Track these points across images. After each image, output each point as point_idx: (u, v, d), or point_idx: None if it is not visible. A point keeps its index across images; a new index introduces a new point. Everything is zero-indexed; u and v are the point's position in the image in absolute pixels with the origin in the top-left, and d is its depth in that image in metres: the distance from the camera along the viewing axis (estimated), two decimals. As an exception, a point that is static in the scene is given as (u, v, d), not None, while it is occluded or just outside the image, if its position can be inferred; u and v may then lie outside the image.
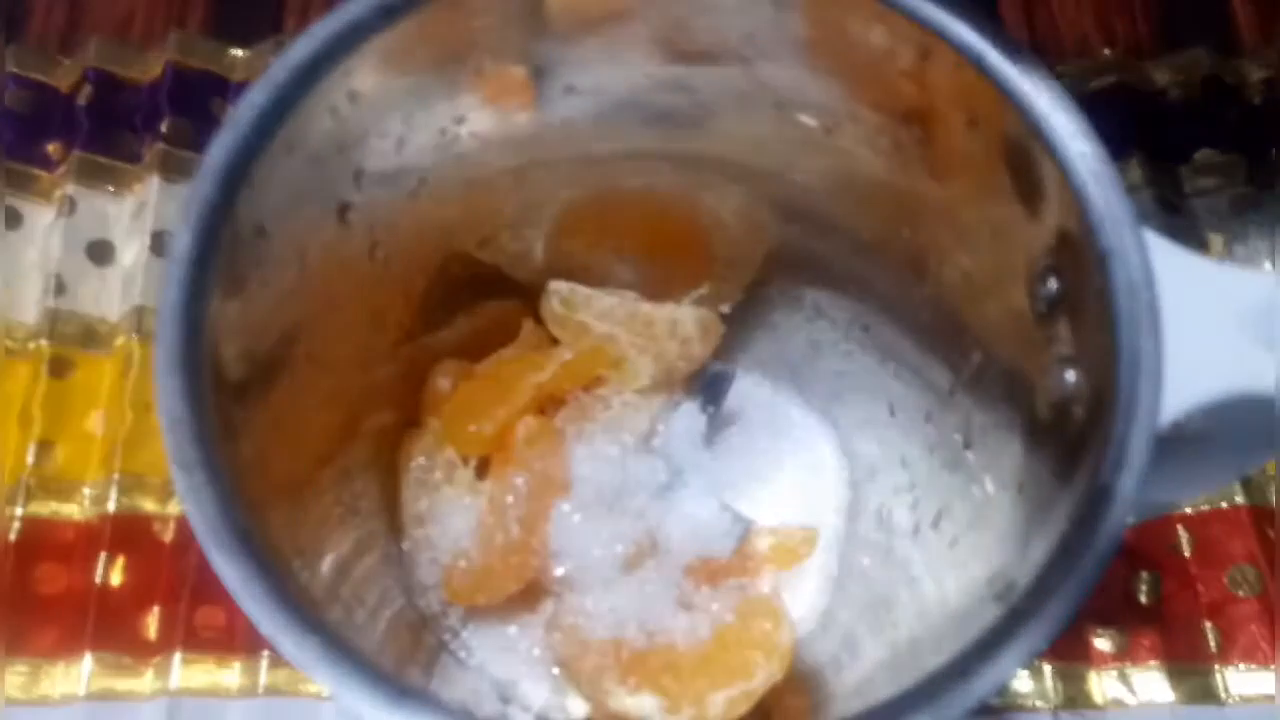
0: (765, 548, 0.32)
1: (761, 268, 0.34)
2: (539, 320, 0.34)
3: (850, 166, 0.28)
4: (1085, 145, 0.21)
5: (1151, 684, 0.34)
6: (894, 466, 0.34)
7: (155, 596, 0.34)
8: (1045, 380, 0.24)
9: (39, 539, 0.35)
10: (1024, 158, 0.23)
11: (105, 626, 0.34)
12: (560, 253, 0.34)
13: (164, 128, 0.40)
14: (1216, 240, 0.40)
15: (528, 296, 0.34)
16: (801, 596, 0.33)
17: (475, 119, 0.27)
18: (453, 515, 0.32)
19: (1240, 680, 0.34)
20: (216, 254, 0.22)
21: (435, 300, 0.32)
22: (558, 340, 0.34)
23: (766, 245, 0.34)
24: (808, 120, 0.28)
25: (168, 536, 0.35)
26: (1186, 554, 0.36)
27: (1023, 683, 0.34)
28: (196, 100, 0.41)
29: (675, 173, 0.31)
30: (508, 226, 0.33)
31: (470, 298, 0.34)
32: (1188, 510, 0.36)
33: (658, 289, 0.35)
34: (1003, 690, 0.33)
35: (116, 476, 0.35)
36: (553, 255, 0.34)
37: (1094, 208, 0.21)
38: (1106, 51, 0.43)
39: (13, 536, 0.35)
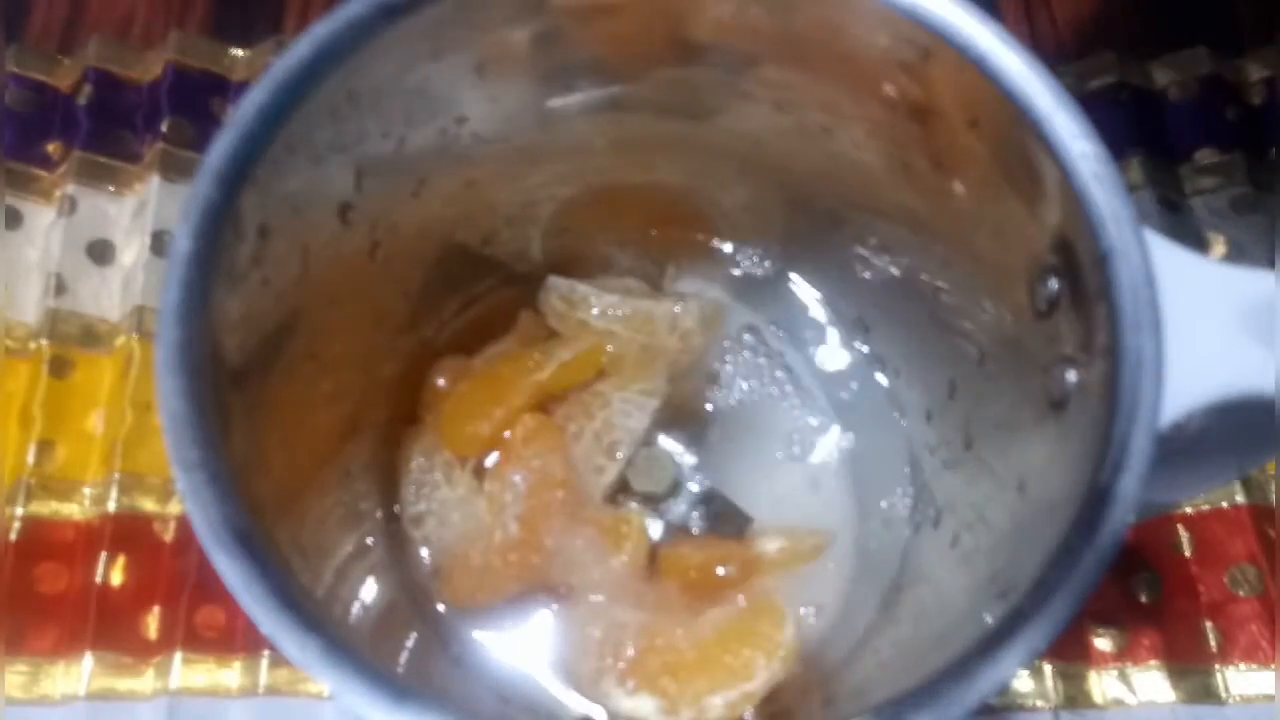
0: (773, 550, 0.32)
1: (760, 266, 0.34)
2: (537, 310, 0.34)
3: (850, 165, 0.28)
4: (1086, 145, 0.21)
5: (1152, 684, 0.34)
6: (895, 466, 0.33)
7: (155, 596, 0.34)
8: (1045, 380, 0.24)
9: (39, 539, 0.35)
10: (1024, 158, 0.23)
11: (105, 626, 0.34)
12: (560, 246, 0.34)
13: (164, 128, 0.40)
14: (1216, 240, 0.40)
15: (526, 286, 0.34)
16: (803, 597, 0.33)
17: (476, 119, 0.28)
18: (453, 515, 0.32)
19: (1240, 680, 0.34)
20: (216, 254, 0.22)
21: (434, 292, 0.32)
22: (555, 330, 0.34)
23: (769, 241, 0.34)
24: (808, 118, 0.28)
25: (168, 536, 0.35)
26: (1186, 554, 0.36)
27: (1023, 683, 0.34)
28: (196, 100, 0.41)
29: (676, 166, 0.31)
30: (507, 225, 0.33)
31: (468, 289, 0.34)
32: (1188, 510, 0.36)
33: (658, 278, 0.35)
34: (1003, 690, 0.33)
35: (117, 476, 0.35)
36: (552, 249, 0.34)
37: (1094, 207, 0.21)
38: (1107, 52, 0.43)
39: (13, 536, 0.35)
